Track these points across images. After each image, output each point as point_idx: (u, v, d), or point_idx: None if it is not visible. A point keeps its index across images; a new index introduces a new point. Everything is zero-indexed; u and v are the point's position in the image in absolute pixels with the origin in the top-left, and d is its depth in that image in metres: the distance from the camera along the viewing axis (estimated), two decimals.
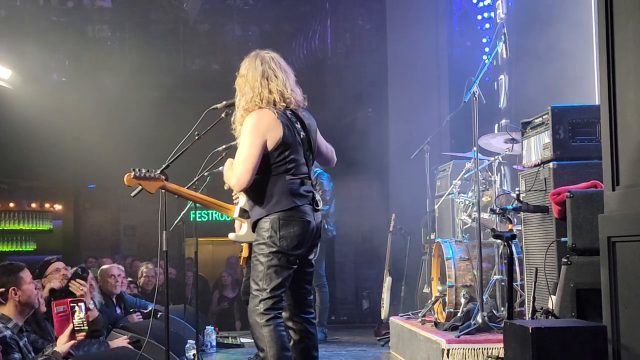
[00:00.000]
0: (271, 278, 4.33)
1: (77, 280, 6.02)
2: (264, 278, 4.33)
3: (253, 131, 4.37)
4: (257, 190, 4.43)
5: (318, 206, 4.53)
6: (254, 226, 4.49)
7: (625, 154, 3.99)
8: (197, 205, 6.97)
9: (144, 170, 4.81)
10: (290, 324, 4.57)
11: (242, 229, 4.65)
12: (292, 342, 4.54)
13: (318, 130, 4.73)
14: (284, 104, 4.49)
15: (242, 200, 4.64)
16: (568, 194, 4.92)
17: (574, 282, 4.76)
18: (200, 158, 6.52)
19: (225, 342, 8.44)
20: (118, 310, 7.62)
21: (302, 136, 4.52)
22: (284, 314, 4.54)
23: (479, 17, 10.68)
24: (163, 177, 4.86)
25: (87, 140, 11.41)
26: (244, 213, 4.62)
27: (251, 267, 4.48)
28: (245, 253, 6.54)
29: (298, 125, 4.52)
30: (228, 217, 6.51)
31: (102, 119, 11.31)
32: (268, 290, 4.32)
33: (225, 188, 4.87)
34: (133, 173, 4.77)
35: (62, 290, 5.97)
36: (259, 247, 4.40)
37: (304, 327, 4.58)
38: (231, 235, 4.75)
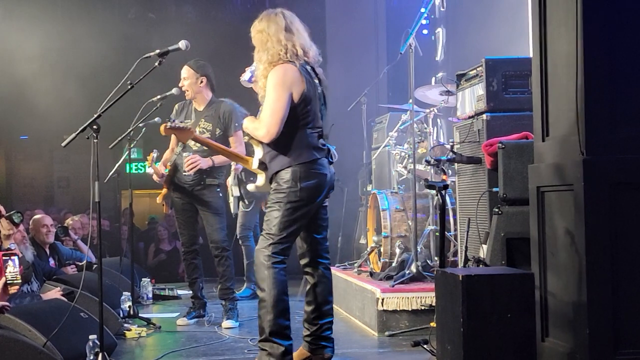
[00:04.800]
0: (285, 226, 4.50)
1: (8, 221, 5.93)
2: (278, 224, 4.49)
3: (280, 85, 4.47)
4: (279, 142, 4.53)
5: (333, 159, 4.71)
6: (272, 177, 4.62)
7: (555, 106, 4.07)
8: (132, 157, 6.97)
9: (177, 121, 4.88)
10: (308, 269, 4.80)
11: (259, 180, 4.74)
12: (308, 286, 4.80)
13: None
14: (305, 58, 4.61)
15: (258, 152, 4.71)
16: (500, 145, 5.01)
17: (504, 232, 4.87)
18: (135, 109, 6.45)
19: (161, 294, 8.42)
20: (52, 262, 7.53)
21: (319, 90, 4.67)
22: (302, 260, 4.78)
23: None
24: (192, 129, 5.11)
25: (19, 91, 11.13)
26: (261, 165, 4.70)
27: (266, 211, 4.63)
28: (160, 199, 6.59)
29: (316, 80, 4.66)
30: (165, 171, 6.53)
31: (34, 69, 11.03)
32: (280, 237, 4.50)
33: (245, 140, 5.04)
34: (169, 124, 5.08)
35: None
36: (277, 196, 4.54)
37: (321, 271, 4.79)
38: (250, 186, 4.86)
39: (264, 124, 4.49)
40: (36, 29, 11.13)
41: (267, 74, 4.54)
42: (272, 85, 4.49)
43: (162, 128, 5.22)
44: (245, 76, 4.93)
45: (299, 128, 4.54)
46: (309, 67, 4.62)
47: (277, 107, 4.45)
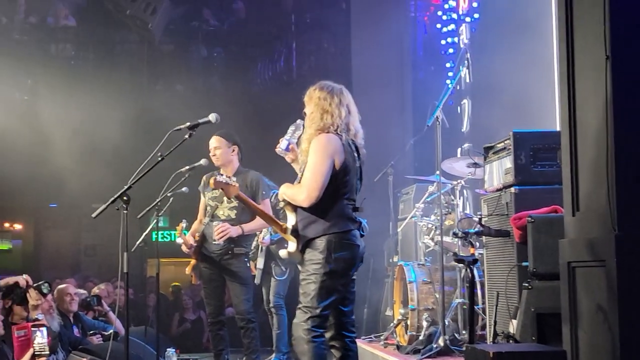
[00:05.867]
0: (322, 297, 4.49)
1: (37, 291, 5.95)
2: (315, 296, 4.49)
3: (323, 151, 4.54)
4: (316, 209, 4.56)
5: (364, 232, 4.73)
6: (305, 245, 4.61)
7: (585, 180, 4.05)
8: (160, 225, 7.01)
9: (225, 176, 5.32)
10: (333, 342, 4.74)
11: (291, 246, 4.71)
12: None
13: None
14: (352, 138, 4.71)
15: (291, 219, 4.71)
16: (529, 218, 4.98)
17: (535, 307, 4.80)
18: (163, 178, 6.50)
19: None
20: (76, 330, 7.52)
21: (357, 164, 4.73)
22: (328, 333, 4.70)
23: (443, 42, 10.81)
24: (237, 185, 5.39)
25: (49, 159, 11.27)
26: (293, 232, 4.70)
27: (301, 284, 4.62)
28: (189, 270, 6.62)
29: (355, 154, 4.72)
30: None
31: (64, 138, 11.18)
32: (319, 310, 4.49)
33: (280, 205, 5.06)
34: (218, 177, 5.31)
35: (19, 293, 5.87)
36: (312, 267, 4.54)
37: (346, 345, 4.74)
38: (282, 252, 4.81)
39: (305, 188, 4.53)
40: (67, 99, 11.32)
41: (311, 139, 4.60)
42: (316, 151, 4.55)
43: (211, 181, 5.40)
44: (282, 145, 4.99)
45: (336, 198, 4.57)
46: (351, 142, 4.69)
47: (319, 173, 4.50)
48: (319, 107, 4.69)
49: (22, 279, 5.93)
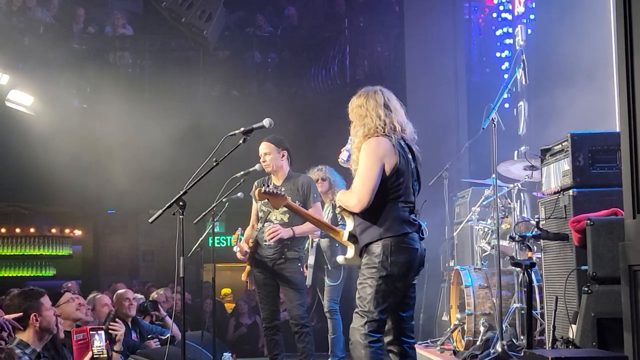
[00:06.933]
0: (379, 302, 4.45)
1: (117, 320, 6.10)
2: (372, 301, 4.45)
3: (372, 155, 4.50)
4: (370, 214, 4.53)
5: (423, 235, 4.66)
6: (362, 250, 4.59)
7: None
8: (215, 230, 7.06)
9: (271, 186, 5.28)
10: (391, 347, 4.68)
11: (349, 252, 4.71)
12: None
13: None
14: (402, 134, 4.65)
15: (349, 224, 4.70)
16: (588, 221, 4.88)
17: (595, 311, 4.70)
18: (218, 184, 6.54)
19: None
20: (134, 335, 7.60)
21: (412, 166, 4.66)
22: (386, 338, 4.66)
23: (498, 44, 10.71)
24: (287, 196, 5.29)
25: (107, 166, 11.46)
26: (351, 237, 4.68)
27: (357, 288, 4.57)
28: (244, 276, 6.65)
29: (410, 156, 4.65)
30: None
31: (122, 145, 11.35)
32: (375, 314, 4.45)
33: (337, 211, 5.06)
34: (263, 188, 5.24)
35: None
36: (368, 271, 4.50)
37: (404, 350, 4.68)
38: (339, 258, 4.82)
39: (356, 194, 4.49)
40: (124, 106, 11.48)
41: (360, 146, 4.56)
42: (364, 156, 4.51)
43: (257, 192, 5.40)
44: (343, 156, 4.96)
45: (390, 201, 4.51)
46: (403, 143, 4.63)
47: (369, 177, 4.45)
48: (357, 116, 4.67)
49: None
